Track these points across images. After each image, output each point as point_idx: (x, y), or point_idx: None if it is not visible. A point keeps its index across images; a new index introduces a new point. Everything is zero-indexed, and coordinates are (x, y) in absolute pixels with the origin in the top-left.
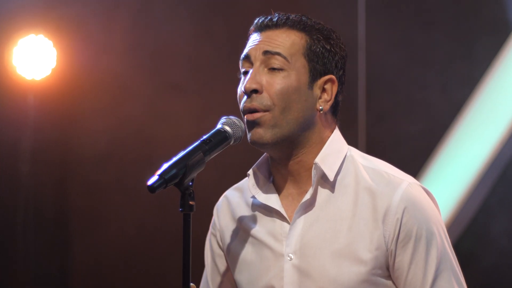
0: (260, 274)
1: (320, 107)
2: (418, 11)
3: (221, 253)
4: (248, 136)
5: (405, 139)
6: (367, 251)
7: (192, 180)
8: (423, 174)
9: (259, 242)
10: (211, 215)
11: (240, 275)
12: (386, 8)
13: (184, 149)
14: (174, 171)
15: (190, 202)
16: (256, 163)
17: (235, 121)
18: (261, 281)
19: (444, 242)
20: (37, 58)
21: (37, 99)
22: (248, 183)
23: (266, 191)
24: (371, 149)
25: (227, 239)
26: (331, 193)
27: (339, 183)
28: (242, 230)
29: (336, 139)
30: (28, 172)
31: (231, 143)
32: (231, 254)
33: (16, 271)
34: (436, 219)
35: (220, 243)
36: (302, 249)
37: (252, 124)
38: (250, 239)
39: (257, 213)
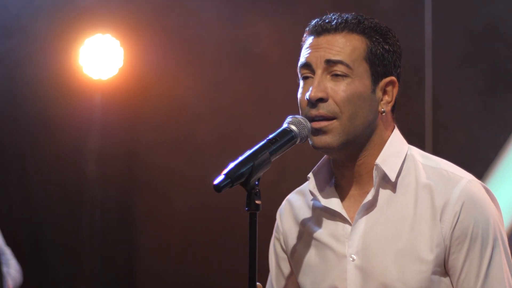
0: (324, 276)
1: (383, 109)
2: (485, 20)
3: (285, 256)
4: (312, 141)
5: (472, 145)
6: (428, 250)
7: (258, 180)
8: (488, 176)
9: (322, 244)
10: (272, 217)
11: (304, 278)
12: (454, 18)
13: (250, 148)
14: (240, 170)
15: (256, 202)
16: (316, 165)
17: (301, 120)
18: (324, 282)
19: (498, 242)
20: (104, 57)
21: (103, 99)
22: (308, 186)
23: (327, 193)
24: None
25: (290, 242)
26: (392, 193)
27: (400, 183)
28: (305, 233)
29: (396, 138)
30: (95, 171)
31: (297, 143)
32: (295, 257)
33: (83, 273)
34: (494, 219)
35: (284, 247)
36: (364, 250)
37: (318, 132)
38: (313, 241)
39: (319, 216)
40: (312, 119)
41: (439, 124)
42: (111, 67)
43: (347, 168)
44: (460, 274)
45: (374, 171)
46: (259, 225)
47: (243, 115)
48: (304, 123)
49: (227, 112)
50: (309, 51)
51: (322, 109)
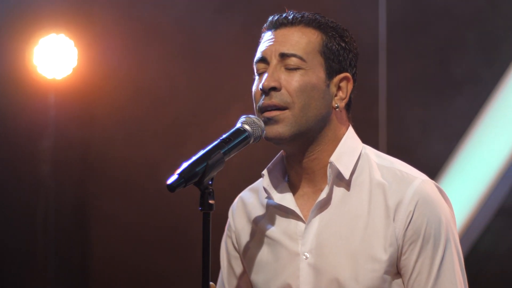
0: (276, 273)
1: (336, 105)
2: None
3: (237, 255)
4: (264, 132)
5: (424, 143)
6: (382, 249)
7: (212, 179)
8: (441, 175)
9: (275, 242)
10: (224, 216)
11: (256, 276)
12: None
13: (203, 148)
14: (193, 170)
15: (210, 201)
16: (270, 163)
17: (255, 120)
18: (277, 280)
19: (451, 242)
20: (58, 57)
21: (58, 99)
22: (262, 183)
23: (281, 191)
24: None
25: (243, 240)
26: (346, 191)
27: (354, 182)
28: (257, 231)
29: (350, 136)
30: (49, 171)
31: (250, 142)
32: (247, 255)
33: (37, 270)
34: (447, 219)
35: (236, 245)
36: (317, 248)
37: (270, 121)
38: (266, 239)
39: (272, 213)
40: (264, 109)
41: (393, 120)
42: (65, 66)
43: (299, 163)
44: (411, 274)
45: (328, 169)
46: (214, 223)
47: (198, 110)
48: (258, 122)
49: (182, 108)
50: (265, 45)
51: (275, 98)
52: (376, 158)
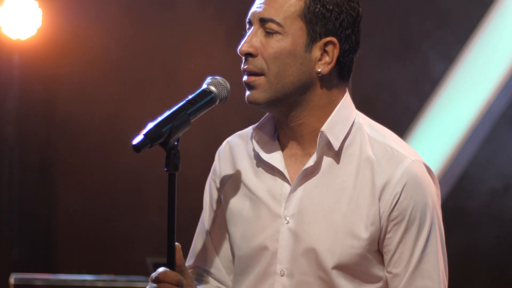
0: (255, 232)
1: (319, 70)
2: None
3: (219, 200)
4: (245, 96)
5: (395, 99)
6: (363, 227)
7: (178, 140)
8: (412, 130)
9: (258, 199)
10: (190, 178)
11: (234, 229)
12: None
13: (169, 108)
14: (159, 130)
15: (176, 162)
16: (262, 118)
17: (220, 81)
18: (255, 239)
19: (435, 226)
20: (22, 18)
21: (22, 59)
22: (253, 139)
23: (270, 148)
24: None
25: (226, 188)
26: (334, 161)
27: (344, 152)
28: (241, 183)
29: (345, 105)
30: (13, 131)
31: (216, 103)
32: (228, 204)
33: (1, 226)
34: (433, 202)
35: (219, 190)
36: (299, 214)
37: (247, 86)
38: (249, 194)
39: (258, 168)
40: (243, 74)
41: (359, 85)
42: (30, 27)
43: (287, 126)
44: (393, 254)
45: (318, 138)
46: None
47: (163, 69)
48: (224, 84)
49: (146, 66)
50: (253, 8)
51: (250, 64)
52: (369, 129)
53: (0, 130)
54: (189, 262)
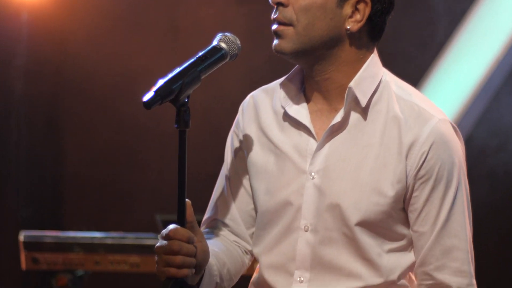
0: (279, 187)
1: (348, 27)
2: None
3: (242, 153)
4: (273, 44)
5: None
6: (389, 184)
7: (188, 97)
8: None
9: (283, 153)
10: (200, 134)
11: (258, 183)
12: None
13: (179, 65)
14: (170, 87)
15: (186, 119)
16: (289, 73)
17: (231, 38)
18: (279, 194)
19: (462, 185)
20: None
21: (30, 15)
22: (279, 93)
23: (296, 103)
24: None
25: (249, 142)
26: (361, 118)
27: (371, 109)
28: (265, 137)
29: (373, 63)
30: (21, 88)
31: (227, 60)
32: (252, 159)
33: (10, 186)
34: (460, 162)
35: (242, 144)
36: (325, 170)
37: (275, 35)
38: (273, 148)
39: (284, 123)
40: (273, 22)
41: None
42: None
43: (313, 80)
44: (419, 213)
45: (346, 93)
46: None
47: (174, 27)
48: (234, 40)
49: (159, 22)
50: None
51: (280, 14)
52: (396, 87)
53: (8, 87)
54: (207, 214)
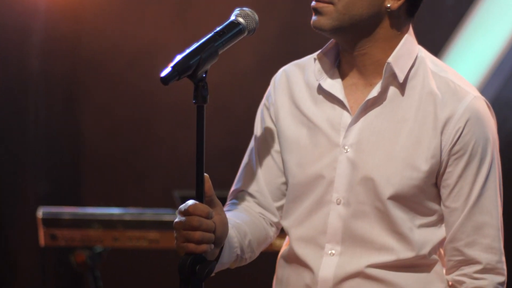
0: (312, 160)
1: (388, 5)
2: None
3: (273, 126)
4: (311, 20)
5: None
6: (423, 159)
7: (206, 72)
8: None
9: (315, 126)
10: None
11: (290, 156)
12: None
13: (197, 41)
14: (187, 63)
15: (204, 94)
16: (323, 47)
17: (249, 12)
18: (312, 167)
19: (495, 162)
20: None
21: None
22: (314, 67)
23: (331, 77)
24: None
25: (281, 114)
26: (397, 93)
27: (407, 84)
28: (298, 110)
29: (410, 39)
30: (38, 66)
31: (244, 35)
32: (284, 132)
33: (29, 166)
34: (493, 139)
35: (273, 117)
36: (359, 144)
37: (314, 11)
38: (306, 121)
39: (317, 97)
40: None
41: None
42: None
43: (350, 54)
44: (452, 189)
45: (384, 69)
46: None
47: (188, 6)
48: (252, 15)
49: (173, 2)
50: None
51: None
52: (431, 64)
53: (25, 64)
54: (235, 186)
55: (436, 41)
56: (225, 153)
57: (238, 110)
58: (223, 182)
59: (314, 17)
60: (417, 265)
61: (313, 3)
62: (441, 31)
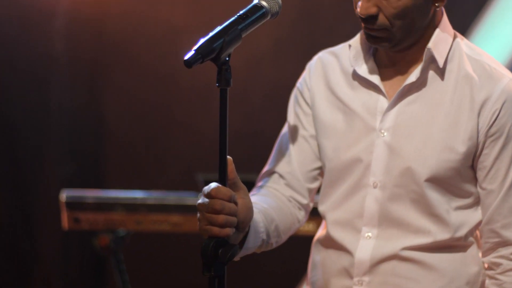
0: (349, 144)
1: (437, 4)
2: None
3: (309, 111)
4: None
5: None
6: (460, 141)
7: (229, 56)
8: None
9: (352, 112)
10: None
11: (326, 141)
12: None
13: (220, 24)
14: (211, 46)
15: (227, 77)
16: (359, 33)
17: None
18: (348, 151)
19: None
20: None
21: None
22: (349, 54)
23: (366, 62)
24: None
25: (317, 100)
26: (435, 78)
27: (443, 69)
28: (334, 96)
29: (445, 24)
30: (62, 49)
31: (267, 18)
32: (319, 116)
33: (52, 146)
34: None
35: (308, 102)
36: (396, 128)
37: (369, 36)
38: (342, 106)
39: (352, 83)
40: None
41: None
42: None
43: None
44: (489, 171)
45: (424, 54)
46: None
47: None
48: None
49: None
50: None
51: (372, 25)
52: (466, 47)
53: (49, 48)
54: (266, 168)
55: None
56: (241, 137)
57: (254, 94)
58: (238, 166)
59: (369, 39)
60: (453, 246)
61: (365, 28)
62: (463, 18)
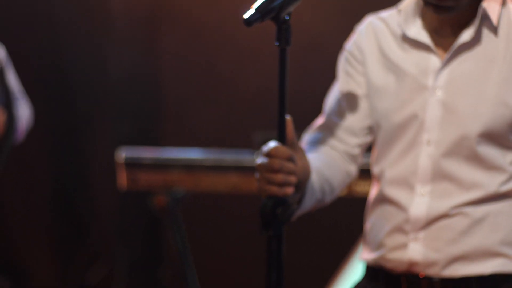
0: (402, 103)
1: None
2: None
3: (361, 70)
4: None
5: None
6: None
7: (289, 14)
8: None
9: (404, 72)
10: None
11: (380, 102)
12: None
13: None
14: (270, 4)
15: (287, 36)
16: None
17: None
18: (403, 110)
19: None
20: None
21: None
22: (398, 18)
23: (415, 25)
24: None
25: (369, 62)
26: (488, 35)
27: (496, 27)
28: (385, 58)
29: None
30: (120, 6)
31: None
32: (372, 78)
33: (108, 105)
34: None
35: (360, 62)
36: (449, 85)
37: (437, 8)
38: (394, 68)
39: (403, 45)
40: None
41: None
42: None
43: (441, 10)
44: None
45: (478, 12)
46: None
47: None
48: None
49: None
50: None
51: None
52: None
53: (106, 5)
54: (320, 122)
55: None
56: (298, 97)
57: (312, 54)
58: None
59: (435, 9)
60: (506, 194)
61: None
62: None
